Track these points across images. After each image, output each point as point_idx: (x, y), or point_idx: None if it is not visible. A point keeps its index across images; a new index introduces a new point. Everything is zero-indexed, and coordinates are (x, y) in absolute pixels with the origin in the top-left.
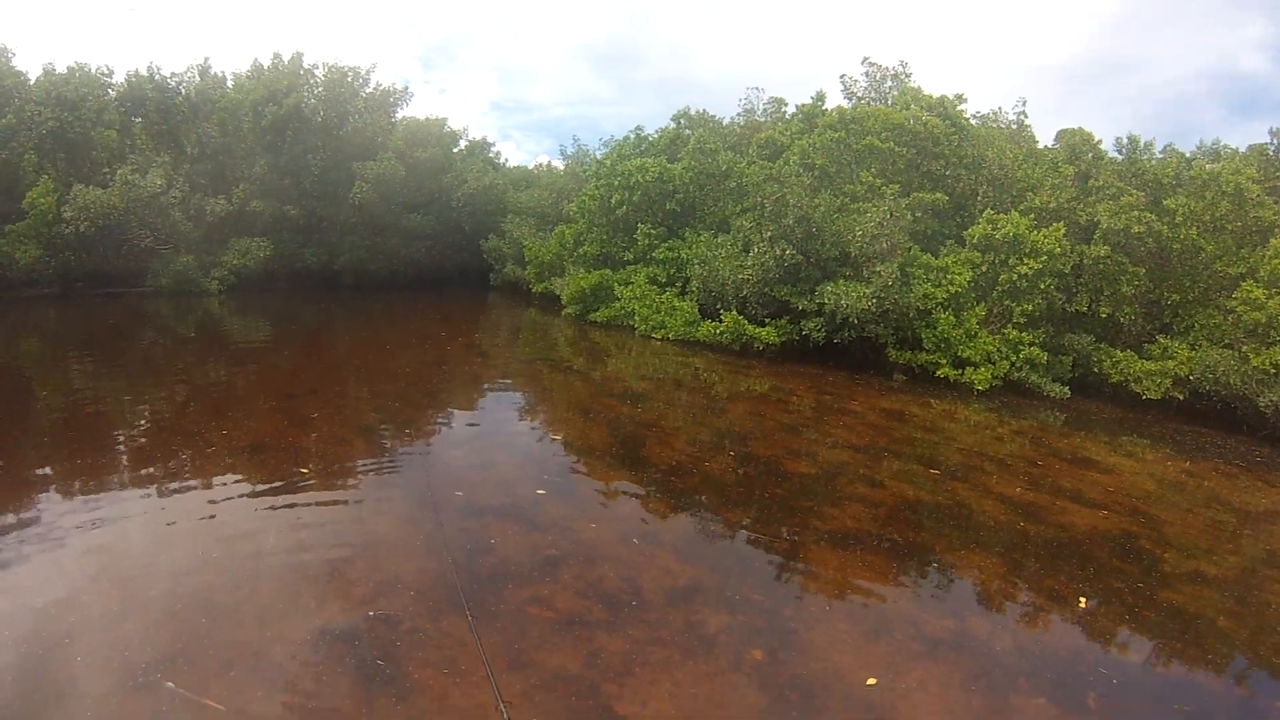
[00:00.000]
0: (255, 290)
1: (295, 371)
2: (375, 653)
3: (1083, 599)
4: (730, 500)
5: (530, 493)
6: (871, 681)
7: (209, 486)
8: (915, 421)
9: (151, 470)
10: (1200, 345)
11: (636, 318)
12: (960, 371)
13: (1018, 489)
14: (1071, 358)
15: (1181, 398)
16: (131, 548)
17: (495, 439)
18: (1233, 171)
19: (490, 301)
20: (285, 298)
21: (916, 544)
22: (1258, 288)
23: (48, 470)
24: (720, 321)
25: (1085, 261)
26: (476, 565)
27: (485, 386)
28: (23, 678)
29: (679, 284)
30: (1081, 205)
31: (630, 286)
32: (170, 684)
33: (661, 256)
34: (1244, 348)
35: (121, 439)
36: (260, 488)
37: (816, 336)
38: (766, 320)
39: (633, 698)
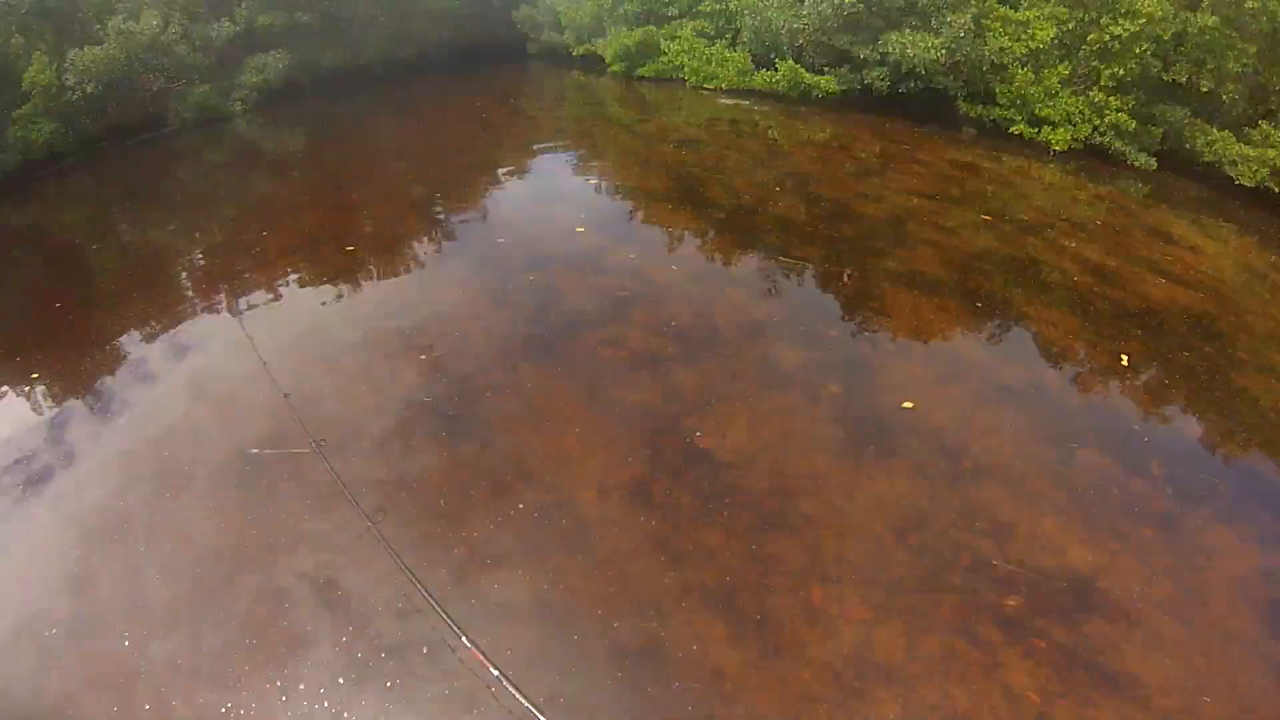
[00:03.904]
0: (282, 104)
1: (338, 167)
2: (456, 409)
3: (1124, 356)
4: (799, 239)
5: (593, 240)
6: (908, 405)
7: (273, 287)
8: (987, 175)
9: (215, 287)
10: None
11: (686, 70)
12: (1037, 130)
13: (1094, 252)
14: (1162, 130)
15: (1277, 189)
16: (216, 364)
17: (551, 194)
18: None
19: (530, 70)
20: (314, 104)
21: (989, 293)
22: None
23: (124, 314)
24: (776, 70)
25: (1189, 30)
26: (548, 315)
27: (535, 147)
28: (155, 487)
29: (729, 36)
30: None
31: (677, 40)
32: (254, 450)
33: (708, 9)
34: None
35: (181, 267)
36: (321, 277)
37: (880, 86)
38: (825, 69)
39: (713, 430)
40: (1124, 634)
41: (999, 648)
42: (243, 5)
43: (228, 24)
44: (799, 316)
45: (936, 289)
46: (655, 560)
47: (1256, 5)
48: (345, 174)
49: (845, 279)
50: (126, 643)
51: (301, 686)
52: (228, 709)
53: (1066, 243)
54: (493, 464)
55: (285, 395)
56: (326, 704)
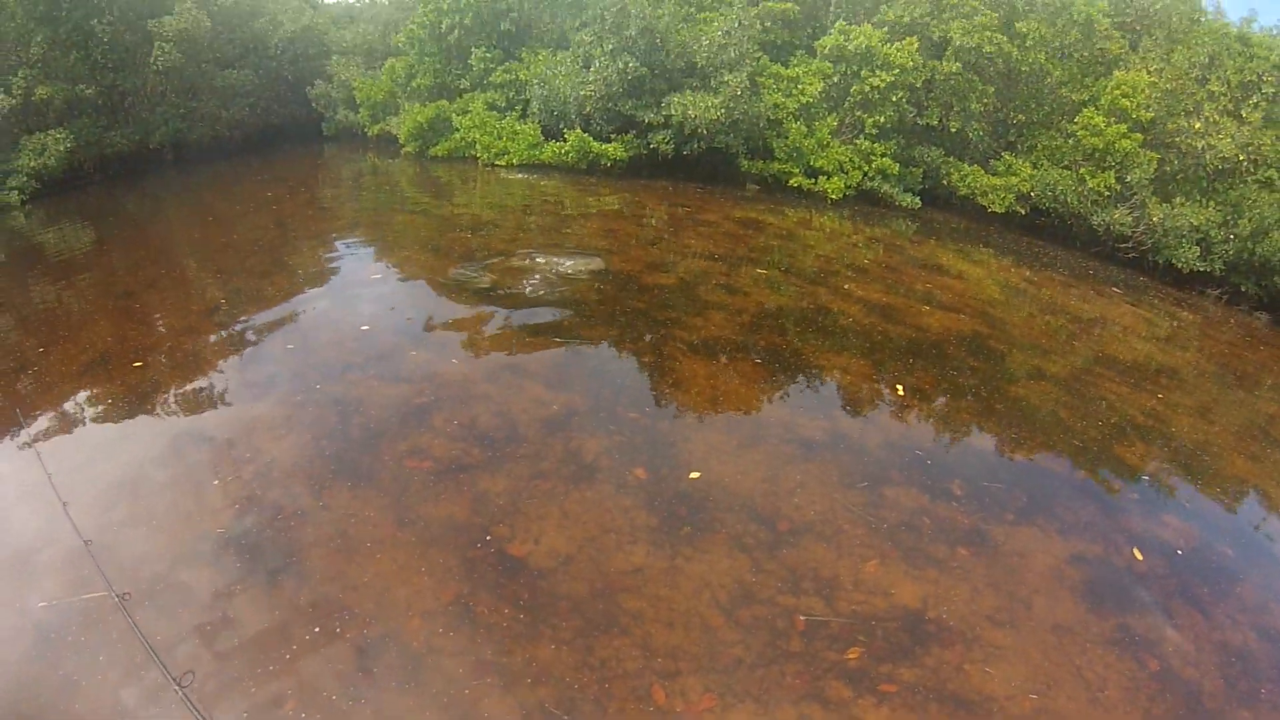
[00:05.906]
0: (65, 191)
1: (125, 267)
2: (266, 544)
3: (899, 386)
4: (592, 319)
5: (387, 341)
6: (695, 475)
7: (55, 417)
8: (771, 230)
9: None
10: (1042, 165)
11: (478, 147)
12: (814, 181)
13: (876, 293)
14: (922, 170)
15: (1023, 212)
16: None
17: (343, 293)
18: (1085, 2)
19: (325, 152)
20: (102, 191)
21: (783, 349)
22: (1098, 115)
23: None
24: (565, 141)
25: (937, 77)
26: (348, 429)
27: (332, 240)
28: None
29: (519, 107)
30: (935, 21)
31: (468, 115)
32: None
33: (499, 80)
34: (1082, 170)
35: None
36: (110, 401)
37: (665, 149)
38: (612, 136)
39: (524, 536)
40: (964, 655)
41: (851, 703)
42: (20, 75)
43: (3, 96)
44: (597, 402)
45: (731, 352)
46: (491, 686)
47: (993, 49)
48: (132, 277)
49: (640, 359)
50: None
51: None
52: None
53: (850, 287)
54: (309, 602)
55: (87, 542)
56: None
